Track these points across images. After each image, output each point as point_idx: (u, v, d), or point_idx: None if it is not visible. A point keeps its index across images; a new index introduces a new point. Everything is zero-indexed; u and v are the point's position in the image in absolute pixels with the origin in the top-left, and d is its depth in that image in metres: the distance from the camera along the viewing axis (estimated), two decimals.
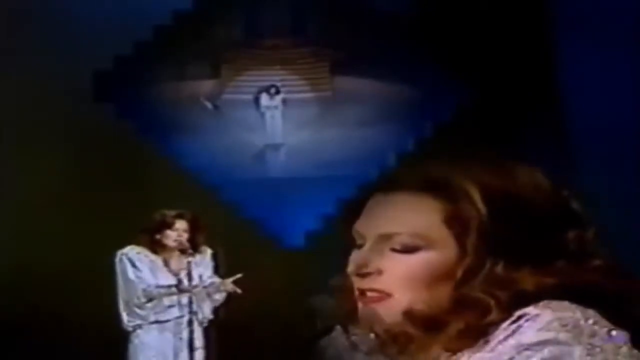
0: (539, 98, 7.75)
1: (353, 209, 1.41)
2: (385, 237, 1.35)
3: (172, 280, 6.14)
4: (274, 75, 8.53)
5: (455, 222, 1.31)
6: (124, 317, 6.12)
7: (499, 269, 1.29)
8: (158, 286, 6.12)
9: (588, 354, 1.19)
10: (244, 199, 8.19)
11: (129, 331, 6.16)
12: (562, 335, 1.19)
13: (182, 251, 6.10)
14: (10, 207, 7.50)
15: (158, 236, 6.16)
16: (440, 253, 1.32)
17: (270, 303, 7.26)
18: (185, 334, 6.05)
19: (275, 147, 8.46)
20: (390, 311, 1.33)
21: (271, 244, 8.04)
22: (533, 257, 1.29)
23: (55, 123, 7.67)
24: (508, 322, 1.24)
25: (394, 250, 1.34)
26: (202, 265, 6.21)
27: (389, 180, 1.40)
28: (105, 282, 6.16)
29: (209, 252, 6.23)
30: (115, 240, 6.29)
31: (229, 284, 6.17)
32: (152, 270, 6.18)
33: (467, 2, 8.11)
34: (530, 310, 1.23)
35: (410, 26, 8.31)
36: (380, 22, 8.39)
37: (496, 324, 1.26)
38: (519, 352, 1.20)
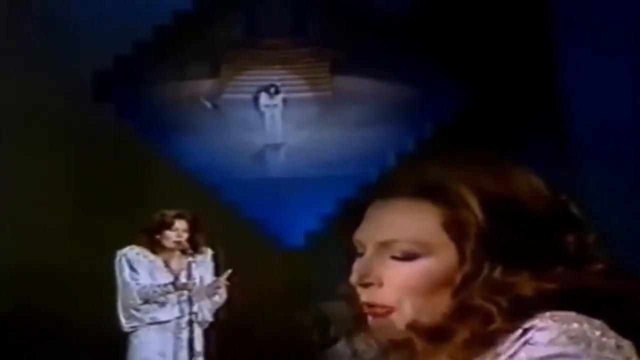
0: (539, 98, 7.75)
1: (351, 213, 1.41)
2: (385, 245, 1.34)
3: (170, 280, 6.14)
4: (274, 75, 8.53)
5: (454, 227, 1.31)
6: (122, 318, 6.12)
7: (497, 273, 1.28)
8: (155, 285, 6.11)
9: None
10: (244, 199, 8.19)
11: (128, 332, 6.16)
12: (571, 349, 1.19)
13: (182, 251, 6.09)
14: (10, 207, 7.50)
15: (158, 236, 6.15)
16: (440, 259, 1.31)
17: (270, 303, 7.26)
18: (185, 335, 6.05)
19: (275, 147, 8.46)
20: (396, 324, 1.32)
21: (271, 244, 8.04)
22: (532, 261, 1.28)
23: (55, 123, 7.67)
24: (516, 335, 1.23)
25: (394, 258, 1.34)
26: (203, 265, 6.20)
27: (386, 186, 1.39)
28: (105, 282, 6.16)
29: (209, 252, 6.22)
30: (115, 240, 6.28)
31: (222, 280, 6.16)
32: (151, 271, 6.17)
33: (467, 2, 8.11)
34: (537, 322, 1.23)
35: (410, 26, 8.31)
36: (380, 22, 8.39)
37: (501, 332, 1.25)
38: None
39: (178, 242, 6.10)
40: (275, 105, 8.46)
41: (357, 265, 1.36)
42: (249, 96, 8.48)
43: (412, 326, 1.31)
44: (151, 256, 6.17)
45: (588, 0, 7.70)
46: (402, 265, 1.33)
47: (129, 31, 7.94)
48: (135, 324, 6.12)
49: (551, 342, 1.20)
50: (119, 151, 7.78)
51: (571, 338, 1.20)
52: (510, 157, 1.39)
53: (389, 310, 1.33)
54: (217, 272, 6.29)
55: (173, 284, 6.09)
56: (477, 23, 7.95)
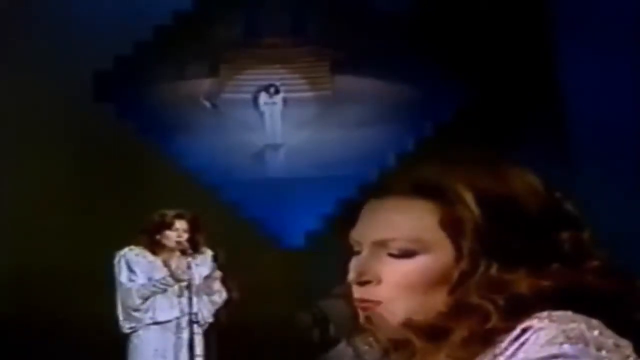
0: (539, 98, 7.75)
1: (351, 213, 1.41)
2: (382, 243, 1.34)
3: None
4: (274, 75, 8.53)
5: (451, 225, 1.31)
6: (121, 320, 6.11)
7: (494, 271, 1.28)
8: (154, 279, 6.10)
9: None
10: (243, 199, 8.19)
11: (128, 333, 6.16)
12: (569, 349, 1.19)
13: (182, 252, 6.09)
14: (11, 207, 7.50)
15: (158, 236, 6.15)
16: (437, 257, 1.31)
17: (270, 303, 7.26)
18: (185, 335, 6.05)
19: (275, 147, 8.46)
20: (387, 318, 1.32)
21: (271, 244, 8.04)
22: (527, 259, 1.28)
23: (55, 123, 7.67)
24: (513, 336, 1.23)
25: (391, 255, 1.34)
26: (203, 265, 6.20)
27: (383, 185, 1.39)
28: (105, 282, 6.15)
29: (209, 253, 6.22)
30: (115, 240, 6.28)
31: (217, 272, 6.14)
32: (150, 272, 6.16)
33: (467, 2, 8.11)
34: (534, 323, 1.22)
35: (410, 26, 8.31)
36: (380, 22, 8.39)
37: (498, 331, 1.25)
38: None
39: (178, 242, 6.10)
40: (275, 105, 8.46)
41: (354, 264, 1.36)
42: (249, 96, 8.48)
43: (408, 325, 1.30)
44: (150, 257, 6.17)
45: (588, 0, 7.70)
46: (399, 262, 1.33)
47: (129, 31, 7.94)
48: (134, 324, 6.12)
49: (549, 343, 1.20)
50: (119, 151, 7.78)
51: (569, 338, 1.19)
52: (510, 157, 1.40)
53: (378, 302, 1.33)
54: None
55: (171, 276, 6.08)
56: (477, 23, 7.95)
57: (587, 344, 1.19)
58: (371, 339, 1.37)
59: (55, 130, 7.68)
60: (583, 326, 1.21)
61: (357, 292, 1.35)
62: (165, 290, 6.11)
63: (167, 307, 6.12)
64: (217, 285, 6.19)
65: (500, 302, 1.26)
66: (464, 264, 1.29)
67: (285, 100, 8.47)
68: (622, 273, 1.32)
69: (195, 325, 6.04)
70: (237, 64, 8.53)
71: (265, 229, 8.14)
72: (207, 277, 6.14)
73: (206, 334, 6.22)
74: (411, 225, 1.33)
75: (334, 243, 1.46)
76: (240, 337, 6.66)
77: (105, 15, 7.86)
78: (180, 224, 6.13)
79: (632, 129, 7.31)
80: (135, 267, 6.14)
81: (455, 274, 1.30)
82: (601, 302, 1.25)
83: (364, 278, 1.34)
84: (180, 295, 6.09)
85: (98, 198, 7.64)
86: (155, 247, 6.16)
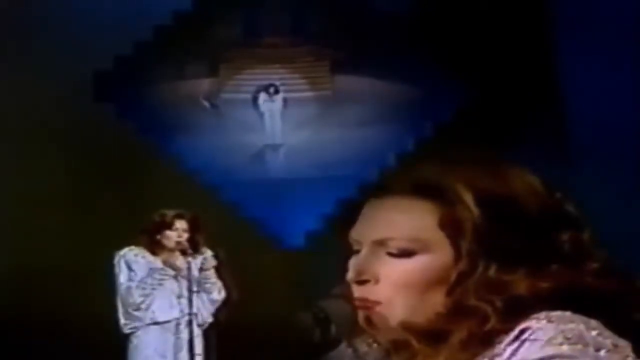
0: (539, 98, 7.75)
1: (351, 213, 1.41)
2: (381, 242, 1.34)
3: (173, 284, 6.13)
4: (274, 75, 8.53)
5: (450, 225, 1.30)
6: (122, 320, 6.11)
7: (492, 272, 1.28)
8: (152, 271, 6.09)
9: None
10: (243, 199, 8.19)
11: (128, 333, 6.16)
12: (568, 350, 1.18)
13: (182, 252, 6.09)
14: (10, 206, 7.50)
15: (158, 237, 6.15)
16: (436, 256, 1.31)
17: (270, 303, 7.26)
18: (185, 335, 6.05)
19: (275, 147, 8.46)
20: (387, 318, 1.32)
21: (271, 244, 8.04)
22: (527, 259, 1.28)
23: (55, 123, 7.67)
24: (512, 337, 1.23)
25: (390, 254, 1.34)
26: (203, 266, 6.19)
27: (383, 185, 1.39)
28: (105, 282, 6.15)
29: (209, 253, 6.22)
30: (115, 240, 6.28)
31: (210, 259, 6.14)
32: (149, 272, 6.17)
33: (467, 2, 8.11)
34: (532, 324, 1.22)
35: (410, 26, 8.31)
36: (380, 22, 8.39)
37: (496, 332, 1.25)
38: None
39: (178, 242, 6.10)
40: (274, 105, 8.46)
41: (353, 263, 1.36)
42: (248, 96, 8.48)
43: (407, 327, 1.30)
44: (150, 257, 6.17)
45: (588, 0, 7.70)
46: (398, 261, 1.33)
47: (129, 31, 7.94)
48: (135, 324, 6.11)
49: (548, 343, 1.19)
50: (119, 151, 7.78)
51: (568, 339, 1.19)
52: (510, 157, 1.40)
53: (378, 302, 1.33)
54: (218, 272, 6.28)
55: (170, 266, 6.08)
56: (477, 23, 7.95)
57: (586, 345, 1.19)
58: (371, 340, 1.37)
59: (55, 130, 7.68)
60: (582, 327, 1.21)
61: (357, 291, 1.35)
62: (162, 284, 6.09)
63: (166, 308, 6.12)
64: (212, 276, 6.17)
65: (499, 303, 1.25)
66: (462, 265, 1.29)
67: (285, 100, 8.46)
68: (621, 273, 1.32)
69: (194, 326, 6.04)
70: (237, 64, 8.53)
71: (265, 229, 8.14)
72: (202, 270, 6.13)
73: (206, 334, 6.22)
74: (410, 225, 1.33)
75: (334, 243, 1.46)
76: (239, 337, 6.66)
77: (105, 15, 7.86)
78: (180, 224, 6.13)
79: (632, 129, 7.31)
80: (135, 267, 6.14)
81: (454, 275, 1.30)
82: (600, 303, 1.25)
83: (363, 277, 1.35)
84: (180, 296, 6.09)
85: (98, 198, 7.64)
86: (155, 247, 6.16)
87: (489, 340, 1.25)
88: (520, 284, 1.26)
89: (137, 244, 6.19)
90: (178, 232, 6.11)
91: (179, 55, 8.44)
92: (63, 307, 7.07)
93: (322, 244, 6.80)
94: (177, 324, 6.10)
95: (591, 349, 1.19)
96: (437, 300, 1.30)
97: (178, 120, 8.37)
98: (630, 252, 1.74)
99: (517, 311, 1.24)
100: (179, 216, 6.13)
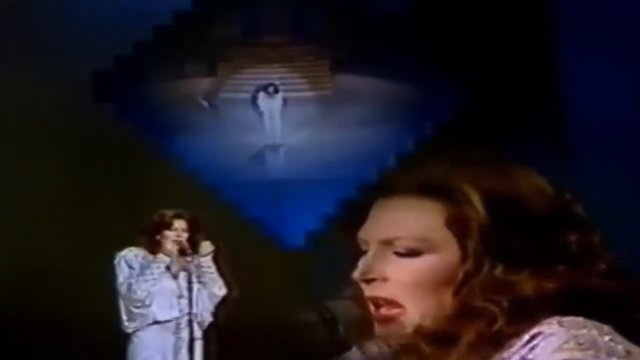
0: (539, 98, 7.75)
1: (353, 213, 1.41)
2: (388, 242, 1.35)
3: (173, 284, 6.12)
4: (273, 74, 8.52)
5: (457, 225, 1.31)
6: (124, 320, 6.11)
7: (498, 272, 1.28)
8: (149, 262, 6.08)
9: None
10: (243, 199, 8.19)
11: (130, 332, 6.16)
12: (580, 355, 1.18)
13: (182, 251, 6.09)
14: (10, 207, 7.50)
15: (157, 237, 6.15)
16: (443, 256, 1.32)
17: (270, 303, 7.26)
18: (185, 335, 6.05)
19: (275, 147, 8.46)
20: (405, 326, 1.32)
21: (271, 244, 8.04)
22: (533, 260, 1.28)
23: (55, 123, 7.67)
24: (523, 342, 1.23)
25: (397, 254, 1.34)
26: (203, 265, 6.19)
27: (389, 185, 1.39)
28: (105, 282, 6.15)
29: (207, 243, 6.21)
30: (115, 240, 6.28)
31: (207, 246, 6.13)
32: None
33: (467, 2, 8.11)
34: (544, 329, 1.22)
35: (410, 26, 8.31)
36: (380, 22, 8.39)
37: (504, 334, 1.25)
38: None
39: (178, 242, 6.10)
40: (274, 104, 8.45)
41: (361, 262, 1.36)
42: (248, 95, 8.47)
43: (418, 332, 1.30)
44: (150, 257, 6.17)
45: (588, 0, 7.70)
46: (406, 261, 1.33)
47: (129, 31, 7.94)
48: (138, 323, 6.11)
49: (559, 349, 1.19)
50: (119, 151, 7.78)
51: (580, 344, 1.19)
52: (510, 157, 1.39)
53: (397, 313, 1.32)
54: (218, 269, 6.27)
55: (167, 255, 6.08)
56: (477, 23, 7.95)
57: (598, 350, 1.19)
58: (382, 344, 1.37)
59: (55, 130, 7.68)
60: (594, 332, 1.20)
61: (367, 291, 1.35)
62: (160, 275, 6.08)
63: (167, 307, 6.12)
64: (212, 267, 6.15)
65: (505, 304, 1.25)
66: (468, 265, 1.29)
67: (285, 100, 8.46)
68: (628, 276, 1.31)
69: (195, 325, 6.04)
70: (236, 63, 8.52)
71: (265, 229, 8.14)
72: (199, 265, 6.13)
73: (206, 334, 6.22)
74: (417, 225, 1.33)
75: (334, 243, 1.46)
76: (239, 337, 6.66)
77: (105, 15, 7.85)
78: (179, 224, 6.13)
79: (632, 129, 7.31)
80: (135, 266, 6.14)
81: (460, 275, 1.30)
82: (605, 304, 1.25)
83: (369, 276, 1.35)
84: (180, 296, 6.09)
85: (98, 198, 7.64)
86: (155, 247, 6.16)
87: (497, 342, 1.25)
88: (527, 285, 1.26)
89: (137, 244, 6.20)
90: (177, 232, 6.12)
91: (178, 55, 8.44)
92: (63, 307, 7.07)
93: (322, 244, 6.80)
94: (177, 324, 6.10)
95: (604, 355, 1.18)
96: (446, 303, 1.30)
97: (178, 120, 8.37)
98: (630, 252, 1.74)
99: (523, 312, 1.24)
100: (178, 216, 6.14)
